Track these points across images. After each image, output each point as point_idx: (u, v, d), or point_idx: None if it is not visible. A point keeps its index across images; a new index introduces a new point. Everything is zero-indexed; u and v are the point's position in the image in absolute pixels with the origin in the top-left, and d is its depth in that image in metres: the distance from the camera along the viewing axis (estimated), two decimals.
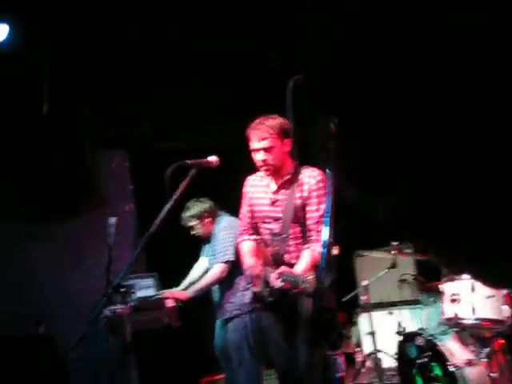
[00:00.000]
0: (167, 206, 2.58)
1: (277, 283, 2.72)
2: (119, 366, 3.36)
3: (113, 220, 3.61)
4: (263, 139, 2.87)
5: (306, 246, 2.90)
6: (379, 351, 4.18)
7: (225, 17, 4.43)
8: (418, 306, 4.53)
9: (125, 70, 4.82)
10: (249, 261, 3.06)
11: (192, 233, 4.03)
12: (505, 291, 3.31)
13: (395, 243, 4.26)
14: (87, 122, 5.09)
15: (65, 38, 4.48)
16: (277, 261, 2.93)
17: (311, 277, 2.58)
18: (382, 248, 4.42)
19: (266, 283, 2.89)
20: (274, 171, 2.96)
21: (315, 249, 2.84)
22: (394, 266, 4.30)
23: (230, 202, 3.89)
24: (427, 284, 4.32)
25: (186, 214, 3.98)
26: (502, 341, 3.43)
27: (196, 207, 3.97)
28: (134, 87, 4.95)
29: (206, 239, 4.07)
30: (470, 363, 3.30)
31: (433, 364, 3.38)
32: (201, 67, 4.90)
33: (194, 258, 4.31)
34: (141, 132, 5.45)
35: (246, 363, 3.70)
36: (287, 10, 4.35)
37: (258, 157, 2.92)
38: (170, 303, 3.74)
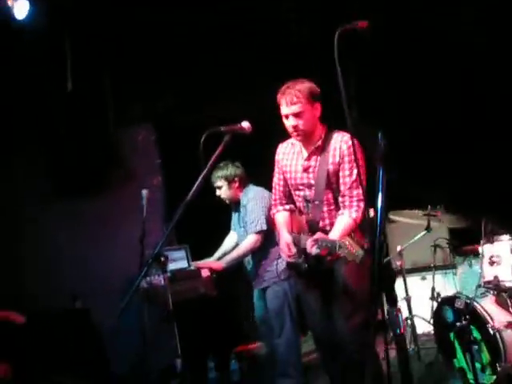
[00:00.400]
0: (202, 173, 2.56)
1: (313, 250, 2.71)
2: (159, 336, 3.40)
3: (144, 192, 3.64)
4: (293, 104, 2.84)
5: (341, 211, 2.88)
6: (415, 316, 4.16)
7: None
8: (451, 270, 4.51)
9: (147, 45, 4.76)
10: (284, 234, 3.04)
11: (217, 194, 4.02)
12: None
13: (428, 206, 4.20)
14: (110, 97, 5.08)
15: (86, 14, 4.43)
16: (312, 228, 2.92)
17: (347, 242, 2.55)
18: (415, 210, 4.34)
19: (302, 251, 2.88)
20: (305, 137, 2.93)
21: (350, 214, 2.83)
22: (428, 228, 4.23)
23: (261, 170, 3.89)
24: (462, 248, 4.28)
25: (218, 174, 3.96)
26: None
27: (228, 169, 3.96)
28: (156, 60, 4.90)
29: (233, 205, 4.06)
30: (510, 326, 3.26)
31: (471, 327, 3.34)
32: (224, 37, 4.80)
33: (224, 229, 4.32)
34: (165, 105, 5.43)
35: (287, 330, 3.73)
36: None
37: (289, 122, 2.89)
38: (205, 273, 3.76)
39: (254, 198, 3.86)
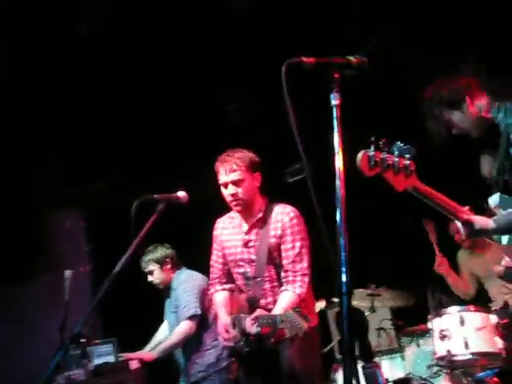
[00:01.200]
0: (133, 244, 2.33)
1: (253, 329, 2.49)
2: None
3: (68, 273, 3.34)
4: (232, 171, 2.75)
5: (284, 287, 2.70)
6: None
7: (192, 70, 4.37)
8: (397, 354, 4.32)
9: (78, 125, 4.64)
10: (223, 316, 2.82)
11: (149, 279, 3.77)
12: (494, 320, 3.16)
13: (372, 285, 4.08)
14: (41, 180, 4.87)
15: (16, 90, 4.28)
16: (252, 306, 2.72)
17: (289, 315, 2.36)
18: (360, 290, 4.21)
19: (242, 332, 2.64)
20: (245, 207, 2.80)
21: (294, 290, 2.67)
22: (373, 309, 4.09)
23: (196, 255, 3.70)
24: (407, 328, 4.14)
25: (148, 257, 3.74)
26: (496, 379, 3.24)
27: (158, 251, 3.76)
28: (92, 144, 4.77)
29: (165, 291, 3.78)
30: None
31: None
32: (159, 123, 4.78)
33: (155, 320, 3.99)
34: (97, 190, 5.23)
35: None
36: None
37: (228, 191, 2.77)
38: (134, 365, 3.37)
39: (186, 281, 3.65)
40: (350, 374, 1.13)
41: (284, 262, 2.73)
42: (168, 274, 3.74)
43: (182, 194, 2.63)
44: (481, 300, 3.97)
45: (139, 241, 2.33)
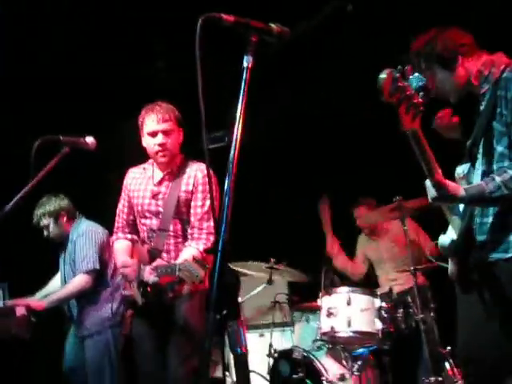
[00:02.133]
0: (29, 184, 2.23)
1: (151, 278, 2.47)
2: None
3: None
4: (165, 121, 2.69)
5: (188, 243, 2.70)
6: (251, 371, 4.01)
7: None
8: (289, 327, 4.49)
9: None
10: (121, 258, 2.78)
11: (45, 234, 3.56)
12: (377, 304, 3.37)
13: (272, 260, 4.19)
14: None
15: None
16: (153, 257, 2.67)
17: (187, 264, 2.36)
18: (258, 262, 4.31)
19: (140, 283, 2.62)
20: (171, 158, 2.76)
21: (197, 247, 2.66)
22: (270, 281, 4.21)
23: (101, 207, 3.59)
24: (301, 304, 4.31)
25: (40, 211, 3.50)
26: (371, 356, 3.49)
27: (52, 203, 3.52)
28: None
29: (61, 244, 3.62)
30: (342, 378, 3.29)
31: (307, 380, 3.31)
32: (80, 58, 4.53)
33: (50, 267, 3.84)
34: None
35: None
36: None
37: (156, 140, 2.70)
38: (20, 311, 3.23)
39: (85, 233, 3.47)
40: (212, 328, 1.15)
41: (192, 218, 2.71)
42: (64, 227, 3.54)
43: (90, 139, 2.54)
44: (370, 285, 4.22)
45: (35, 182, 2.23)
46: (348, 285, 3.57)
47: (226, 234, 1.27)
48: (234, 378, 4.22)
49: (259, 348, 4.44)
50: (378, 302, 3.37)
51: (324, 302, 3.47)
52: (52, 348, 3.75)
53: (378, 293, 3.72)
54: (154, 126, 2.70)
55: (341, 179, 4.53)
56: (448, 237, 2.18)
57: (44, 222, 3.53)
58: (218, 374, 4.33)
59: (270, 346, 4.17)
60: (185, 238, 2.74)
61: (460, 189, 1.92)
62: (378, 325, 3.28)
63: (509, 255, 1.95)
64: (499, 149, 1.97)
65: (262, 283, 4.28)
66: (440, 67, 2.10)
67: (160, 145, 2.70)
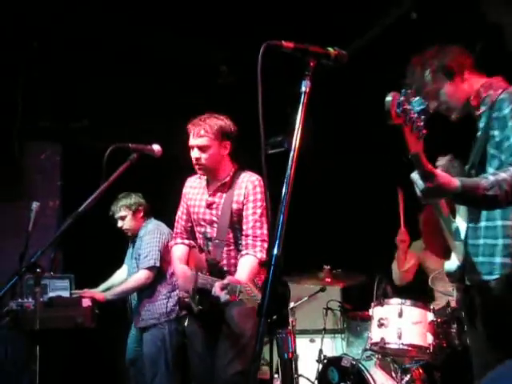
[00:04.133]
0: (101, 188, 2.41)
1: (222, 295, 2.54)
2: (23, 363, 3.04)
3: (35, 205, 3.38)
4: (199, 136, 2.80)
5: (244, 251, 2.80)
6: (300, 376, 4.07)
7: (183, 23, 4.34)
8: (340, 334, 4.52)
9: (68, 60, 4.60)
10: (180, 266, 2.92)
11: (119, 225, 3.83)
12: (430, 318, 3.34)
13: (327, 267, 4.23)
14: (19, 110, 4.82)
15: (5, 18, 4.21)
16: (212, 267, 2.81)
17: (250, 289, 2.46)
18: (312, 272, 4.35)
19: (196, 290, 2.75)
20: (207, 172, 2.89)
21: (255, 255, 2.76)
22: (323, 289, 4.25)
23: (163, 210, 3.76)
24: (353, 312, 4.33)
25: (121, 203, 3.79)
26: (421, 370, 3.45)
27: (132, 198, 3.81)
28: (76, 80, 4.74)
29: (131, 239, 3.87)
30: None
31: None
32: (150, 69, 4.77)
33: (115, 262, 4.10)
34: (78, 127, 5.22)
35: (160, 378, 3.50)
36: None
37: (193, 154, 2.84)
38: (86, 302, 3.48)
39: (152, 231, 3.73)
40: (263, 333, 1.25)
41: (244, 226, 2.81)
42: (138, 222, 3.80)
43: (156, 147, 2.69)
44: (425, 298, 4.16)
45: (107, 185, 2.41)
46: (401, 297, 3.53)
47: (279, 248, 1.35)
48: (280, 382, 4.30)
49: (309, 353, 4.50)
50: (430, 316, 3.33)
51: (376, 312, 3.47)
52: (115, 338, 3.97)
53: (435, 307, 3.68)
54: (191, 140, 2.83)
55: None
56: (453, 263, 2.17)
57: (122, 214, 3.78)
58: (266, 376, 4.44)
59: (320, 351, 4.22)
60: (236, 246, 2.85)
61: (454, 180, 1.81)
62: (430, 339, 3.24)
63: (494, 277, 1.99)
64: (490, 171, 1.97)
65: (315, 290, 4.33)
66: (447, 79, 2.11)
67: (195, 159, 2.83)
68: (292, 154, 1.42)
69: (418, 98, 1.65)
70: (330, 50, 1.58)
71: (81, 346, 3.69)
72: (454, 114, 2.16)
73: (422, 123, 1.65)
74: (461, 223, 2.17)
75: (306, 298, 4.34)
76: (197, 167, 2.85)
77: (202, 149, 2.80)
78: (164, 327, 3.57)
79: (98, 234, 4.20)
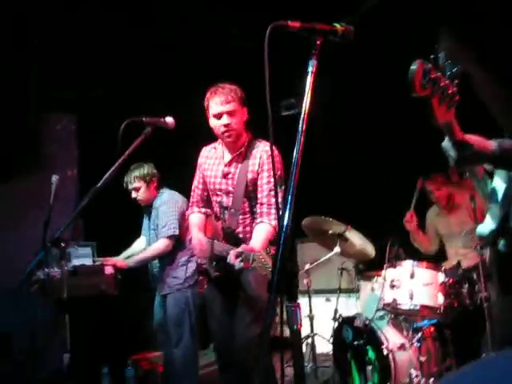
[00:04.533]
0: (118, 162, 2.49)
1: (236, 262, 2.60)
2: (52, 329, 3.21)
3: (55, 178, 3.46)
4: (228, 102, 2.81)
5: (259, 219, 2.86)
6: (316, 335, 4.22)
7: None
8: (354, 294, 4.63)
9: (82, 31, 4.60)
10: (197, 234, 3.00)
11: (133, 196, 3.88)
12: (441, 279, 3.42)
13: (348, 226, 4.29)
14: (33, 81, 4.87)
15: None
16: (228, 235, 2.89)
17: (263, 258, 2.51)
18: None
19: (214, 257, 2.84)
20: (236, 137, 2.90)
21: (270, 222, 2.81)
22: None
23: (179, 178, 3.83)
24: (367, 272, 4.43)
25: (134, 174, 3.82)
26: (432, 328, 3.56)
27: (145, 169, 3.85)
28: (89, 51, 4.75)
29: (146, 208, 3.95)
30: (402, 347, 3.40)
31: (367, 347, 3.45)
32: (162, 37, 4.75)
33: (135, 230, 4.20)
34: (92, 97, 5.26)
35: (185, 340, 3.67)
36: None
37: (221, 121, 2.84)
38: (108, 270, 3.61)
39: (167, 201, 3.78)
40: (273, 307, 1.33)
41: (259, 195, 2.86)
42: (152, 193, 3.86)
43: (169, 119, 2.74)
44: (438, 258, 4.25)
45: (123, 160, 2.48)
46: (412, 258, 3.61)
47: (288, 224, 1.41)
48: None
49: (325, 312, 4.65)
50: (441, 277, 3.41)
51: (388, 273, 3.56)
52: (138, 304, 4.13)
53: (446, 267, 3.76)
54: (219, 107, 2.83)
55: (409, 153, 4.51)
56: (486, 226, 2.12)
57: (136, 185, 3.82)
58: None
59: (336, 310, 4.35)
60: (251, 214, 2.92)
61: (489, 143, 1.70)
62: (441, 299, 3.34)
63: None
64: None
65: (329, 251, 4.42)
66: None
67: (225, 125, 2.84)
68: (299, 137, 1.45)
69: (449, 62, 1.50)
70: (337, 26, 1.59)
71: (106, 311, 3.84)
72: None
73: (455, 88, 1.51)
74: (499, 184, 2.03)
75: (321, 260, 4.43)
76: (226, 134, 2.86)
77: (231, 114, 2.82)
78: (187, 291, 3.69)
79: (116, 202, 4.30)
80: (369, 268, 4.47)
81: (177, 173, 4.12)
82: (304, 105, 1.47)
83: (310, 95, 1.48)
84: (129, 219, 4.29)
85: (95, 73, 4.99)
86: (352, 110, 5.01)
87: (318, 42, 1.53)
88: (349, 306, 4.75)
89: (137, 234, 4.20)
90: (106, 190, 2.50)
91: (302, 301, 4.61)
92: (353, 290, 4.70)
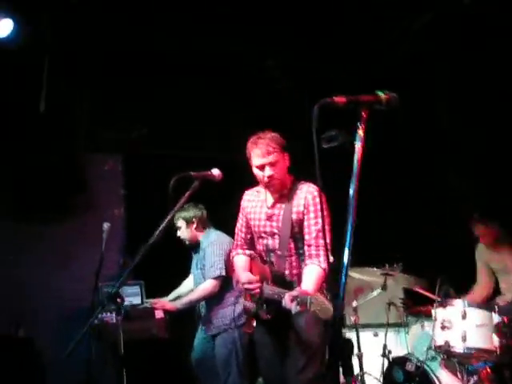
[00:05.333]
0: (169, 216, 2.56)
1: (292, 306, 2.55)
2: (105, 374, 3.29)
3: (106, 225, 3.58)
4: (269, 154, 2.85)
5: (309, 261, 2.84)
6: (365, 373, 4.15)
7: (228, 24, 4.42)
8: (403, 329, 4.54)
9: (127, 73, 4.79)
10: (244, 275, 3.01)
11: (178, 234, 4.02)
12: (496, 320, 3.32)
13: (386, 265, 4.27)
14: (84, 122, 5.06)
15: (65, 36, 4.43)
16: (277, 279, 2.86)
17: (321, 300, 2.48)
18: (373, 268, 4.40)
19: (264, 300, 2.83)
20: (279, 186, 2.93)
21: (319, 264, 2.79)
22: (384, 287, 4.29)
23: (224, 215, 3.89)
24: (415, 308, 4.34)
25: (178, 214, 3.96)
26: (489, 370, 3.45)
27: (189, 211, 3.96)
28: (134, 90, 4.92)
29: (190, 247, 4.04)
30: None
31: None
32: (203, 78, 4.89)
33: (183, 270, 4.26)
34: (138, 136, 5.42)
35: (233, 379, 3.69)
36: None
37: (264, 172, 2.88)
38: (159, 314, 3.69)
39: (214, 243, 3.85)
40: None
41: (307, 237, 2.85)
42: (193, 233, 3.96)
43: (216, 171, 2.78)
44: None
45: (173, 214, 2.55)
46: (463, 298, 3.53)
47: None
48: None
49: (373, 348, 4.56)
50: (496, 318, 3.32)
51: (438, 313, 3.49)
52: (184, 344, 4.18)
53: (500, 303, 3.64)
54: (260, 160, 2.87)
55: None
56: None
57: (178, 224, 3.99)
58: None
59: (385, 346, 4.28)
60: (298, 255, 2.91)
61: None
62: (496, 341, 3.24)
63: None
64: None
65: (376, 288, 4.38)
66: None
67: (268, 177, 2.88)
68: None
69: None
70: (381, 94, 1.62)
71: (155, 353, 3.91)
72: None
73: None
74: None
75: (368, 298, 4.39)
76: (269, 184, 2.90)
77: (273, 165, 2.86)
78: (234, 331, 3.72)
79: (165, 242, 4.39)
80: (417, 304, 4.38)
81: (223, 212, 4.18)
82: (353, 180, 1.50)
83: (358, 173, 1.50)
84: (176, 259, 4.36)
85: (139, 112, 5.16)
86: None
87: (364, 115, 1.56)
88: (398, 342, 4.63)
89: (183, 274, 4.26)
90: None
91: (349, 336, 4.57)
92: (401, 325, 4.61)
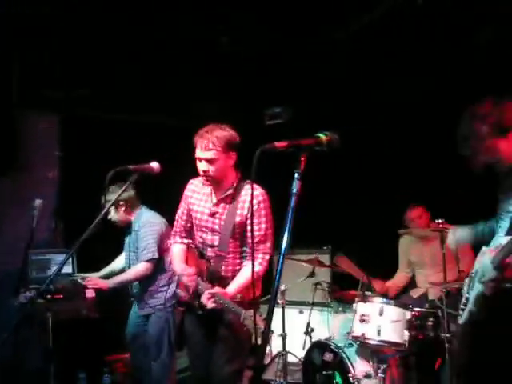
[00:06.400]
0: (102, 212, 2.55)
1: (208, 304, 2.71)
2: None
3: (38, 202, 3.49)
4: (208, 150, 2.83)
5: (245, 263, 2.92)
6: (288, 352, 4.36)
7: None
8: (327, 309, 4.78)
9: (68, 31, 4.53)
10: (180, 265, 3.04)
11: (108, 217, 3.92)
12: (408, 316, 3.59)
13: (315, 251, 4.45)
14: (16, 80, 4.81)
15: None
16: (212, 275, 2.93)
17: (232, 306, 2.63)
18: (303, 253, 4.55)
19: (198, 296, 2.88)
20: (214, 183, 2.93)
21: (253, 268, 2.80)
22: (312, 275, 4.48)
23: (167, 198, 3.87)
24: (340, 292, 4.58)
25: (105, 198, 3.80)
26: (397, 358, 3.76)
27: (114, 193, 3.74)
28: (76, 50, 4.69)
29: (127, 231, 4.00)
30: (367, 376, 3.61)
31: (335, 373, 3.64)
32: (153, 40, 4.71)
33: (116, 245, 4.19)
34: (76, 97, 5.20)
35: (164, 355, 3.81)
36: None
37: (200, 166, 2.88)
38: (90, 293, 3.68)
39: (145, 225, 3.83)
40: None
41: (248, 240, 2.88)
42: (124, 215, 3.90)
43: (155, 164, 2.73)
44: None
45: (107, 209, 2.53)
46: (383, 296, 3.77)
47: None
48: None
49: (297, 325, 4.79)
50: (408, 315, 3.59)
51: (359, 307, 3.73)
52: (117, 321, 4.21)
53: (414, 296, 3.91)
54: (199, 153, 2.86)
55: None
56: None
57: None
58: None
59: (308, 324, 4.52)
60: (235, 255, 2.95)
61: None
62: (406, 335, 3.52)
63: None
64: None
65: (304, 274, 4.55)
66: (502, 135, 2.25)
67: (203, 171, 2.88)
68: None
69: None
70: (322, 136, 1.66)
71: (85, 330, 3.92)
72: (502, 168, 2.31)
73: None
74: None
75: (298, 281, 4.57)
76: (204, 179, 2.91)
77: (209, 161, 2.84)
78: (167, 311, 3.81)
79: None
80: (342, 288, 4.62)
81: (161, 192, 4.15)
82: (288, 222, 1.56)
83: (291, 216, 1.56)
84: (112, 235, 4.31)
85: (82, 71, 4.94)
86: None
87: (303, 159, 1.60)
88: (321, 321, 4.82)
89: (118, 251, 4.22)
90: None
91: (276, 317, 4.76)
92: (326, 305, 4.83)
